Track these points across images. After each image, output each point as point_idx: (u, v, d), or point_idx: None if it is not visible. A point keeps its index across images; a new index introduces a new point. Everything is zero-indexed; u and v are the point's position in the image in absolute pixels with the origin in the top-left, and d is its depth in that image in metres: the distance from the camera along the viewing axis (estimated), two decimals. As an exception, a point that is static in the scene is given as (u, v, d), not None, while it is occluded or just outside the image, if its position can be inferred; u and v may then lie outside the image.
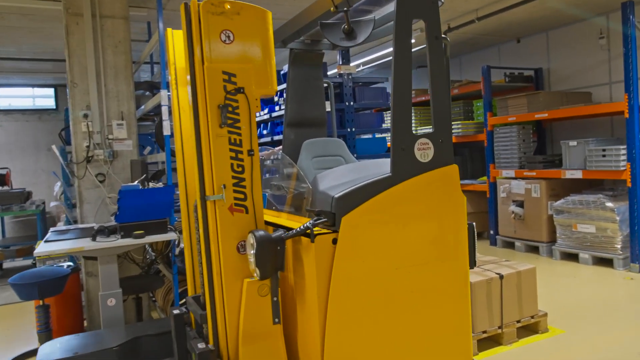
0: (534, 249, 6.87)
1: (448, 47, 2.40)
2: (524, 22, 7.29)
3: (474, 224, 2.46)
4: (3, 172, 7.26)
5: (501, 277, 3.75)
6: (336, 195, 2.11)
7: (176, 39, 2.75)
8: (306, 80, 3.46)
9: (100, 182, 4.51)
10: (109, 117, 4.54)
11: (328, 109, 4.00)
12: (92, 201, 4.53)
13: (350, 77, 6.36)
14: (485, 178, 7.71)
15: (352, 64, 8.26)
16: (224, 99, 2.20)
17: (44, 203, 7.60)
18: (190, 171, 2.77)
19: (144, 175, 3.81)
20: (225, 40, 2.21)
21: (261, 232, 2.13)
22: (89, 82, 4.44)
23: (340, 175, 2.36)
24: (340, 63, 6.42)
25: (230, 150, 2.23)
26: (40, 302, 3.94)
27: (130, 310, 4.26)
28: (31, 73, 9.27)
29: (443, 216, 2.31)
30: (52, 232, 4.16)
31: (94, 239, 3.45)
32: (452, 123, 7.82)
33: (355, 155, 6.70)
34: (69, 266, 4.63)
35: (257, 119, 7.54)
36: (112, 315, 3.43)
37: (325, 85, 3.70)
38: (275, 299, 2.24)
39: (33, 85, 10.87)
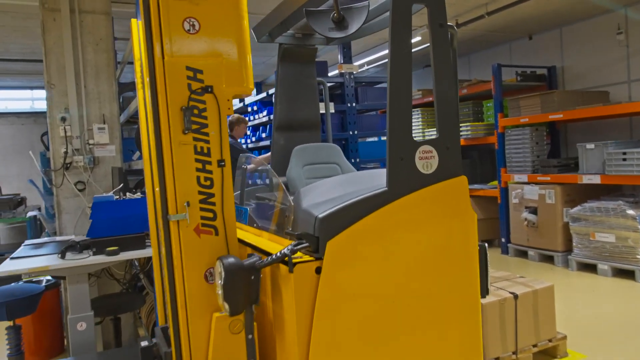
0: (549, 259, 6.46)
1: (455, 38, 2.04)
2: (536, 17, 6.89)
3: (486, 245, 2.10)
4: (-9, 177, 6.97)
5: (515, 296, 3.37)
6: (320, 215, 1.75)
7: (142, 31, 2.41)
8: (297, 79, 3.12)
9: (80, 190, 4.18)
10: (90, 121, 4.21)
11: (323, 110, 3.65)
12: (72, 211, 4.20)
13: (352, 76, 6.01)
14: (495, 182, 7.31)
15: (355, 64, 7.92)
16: (188, 100, 1.85)
17: (39, 209, 7.32)
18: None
19: (121, 184, 3.47)
20: (189, 30, 1.86)
21: (231, 259, 1.77)
22: (67, 83, 4.12)
23: (327, 190, 2.00)
24: (342, 62, 6.07)
25: (197, 160, 1.88)
26: (11, 323, 3.62)
27: (108, 333, 3.92)
28: (26, 75, 9.01)
29: (450, 237, 1.95)
30: (25, 246, 3.84)
31: (62, 256, 3.12)
32: (461, 125, 7.44)
33: (358, 160, 6.35)
34: (48, 281, 4.31)
35: (256, 122, 7.20)
36: (82, 341, 3.09)
37: (320, 84, 3.35)
38: (250, 336, 1.88)
39: (32, 88, 10.65)
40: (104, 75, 4.26)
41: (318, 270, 1.72)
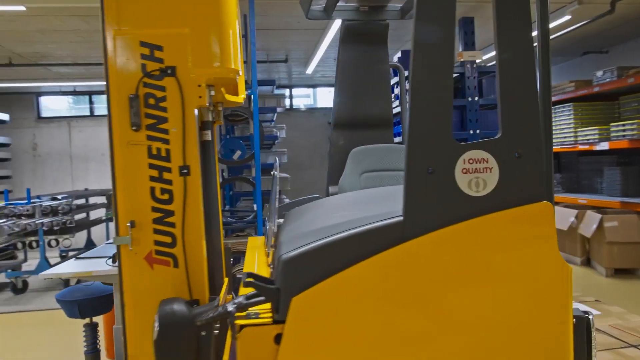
0: None
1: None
2: None
3: (591, 316, 1.27)
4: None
5: (674, 373, 2.31)
6: (284, 256, 1.15)
7: None
8: (364, 64, 2.50)
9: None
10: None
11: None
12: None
13: (474, 66, 5.09)
14: (671, 197, 5.69)
15: (484, 57, 6.87)
16: (137, 86, 1.39)
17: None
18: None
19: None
20: (142, -8, 1.40)
21: (171, 306, 1.27)
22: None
23: (326, 212, 1.37)
24: (462, 49, 5.19)
25: (151, 166, 1.41)
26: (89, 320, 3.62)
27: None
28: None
29: (517, 303, 1.19)
30: (107, 244, 3.82)
31: (114, 261, 2.94)
32: (626, 123, 5.95)
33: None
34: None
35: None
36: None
37: (394, 70, 2.68)
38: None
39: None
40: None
41: (278, 339, 1.13)
